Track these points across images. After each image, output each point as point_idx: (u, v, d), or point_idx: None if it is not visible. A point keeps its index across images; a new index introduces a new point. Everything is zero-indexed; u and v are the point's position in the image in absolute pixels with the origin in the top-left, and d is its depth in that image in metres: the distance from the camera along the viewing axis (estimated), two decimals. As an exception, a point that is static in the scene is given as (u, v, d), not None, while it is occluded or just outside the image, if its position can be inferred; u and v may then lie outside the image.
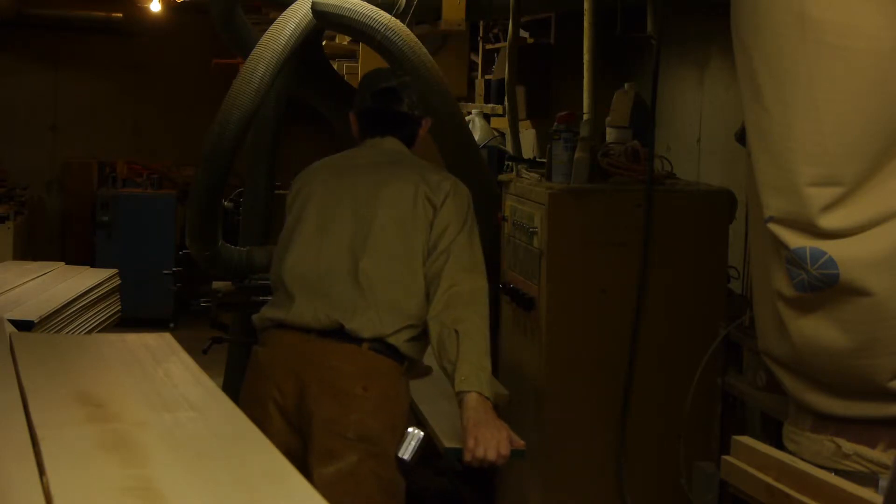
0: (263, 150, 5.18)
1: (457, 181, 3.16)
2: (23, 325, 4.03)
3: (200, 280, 5.82)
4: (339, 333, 2.95)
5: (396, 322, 2.96)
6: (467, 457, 2.83)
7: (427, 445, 2.99)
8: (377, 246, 3.01)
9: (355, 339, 2.94)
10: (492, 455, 2.82)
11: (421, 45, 4.37)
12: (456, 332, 2.88)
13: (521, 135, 5.13)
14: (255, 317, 3.15)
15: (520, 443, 2.94)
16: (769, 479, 2.32)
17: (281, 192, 5.76)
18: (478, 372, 2.86)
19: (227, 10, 5.22)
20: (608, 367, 3.67)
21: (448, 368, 2.90)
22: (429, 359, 3.17)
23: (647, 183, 3.66)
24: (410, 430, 2.94)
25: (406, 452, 2.89)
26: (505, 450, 2.84)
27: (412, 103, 3.22)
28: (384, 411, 2.93)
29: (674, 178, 3.98)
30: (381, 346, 2.95)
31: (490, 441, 2.82)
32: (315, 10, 4.35)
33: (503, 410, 3.71)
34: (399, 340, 2.97)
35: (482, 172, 4.50)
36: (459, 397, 2.87)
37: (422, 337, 3.02)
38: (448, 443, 3.04)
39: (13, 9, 8.80)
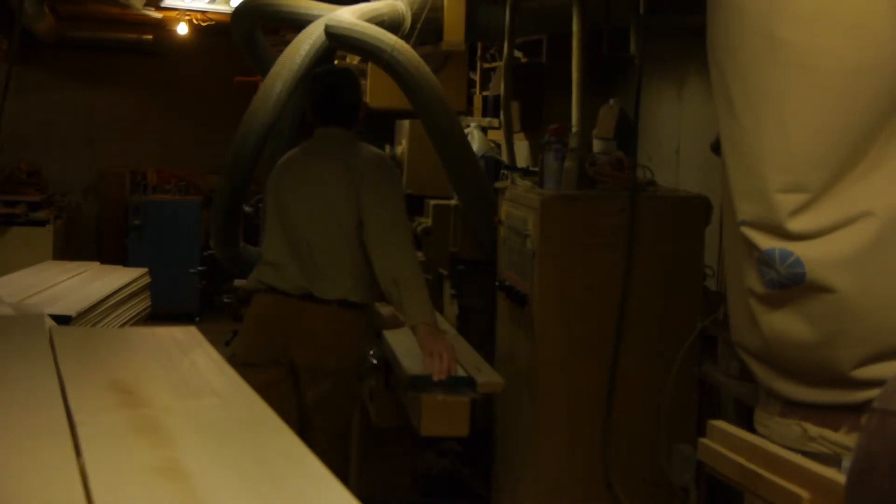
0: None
1: (371, 158, 3.58)
2: (61, 320, 4.03)
3: (223, 278, 5.83)
4: (310, 297, 3.50)
5: (348, 281, 3.50)
6: (427, 365, 3.31)
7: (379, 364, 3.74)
8: (320, 226, 3.52)
9: (324, 301, 3.48)
10: (445, 354, 3.31)
11: (424, 64, 4.37)
12: (395, 280, 3.38)
13: (515, 146, 5.12)
14: (249, 278, 3.68)
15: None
16: (741, 460, 2.32)
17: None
18: (420, 306, 3.37)
19: (248, 32, 5.22)
20: (595, 357, 3.66)
21: (398, 309, 3.46)
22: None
23: (631, 190, 3.65)
24: (371, 359, 3.66)
25: (363, 372, 3.64)
26: (452, 351, 3.36)
27: (350, 95, 3.69)
28: (350, 352, 3.54)
29: (655, 185, 3.97)
30: (346, 303, 3.49)
31: (442, 348, 3.32)
32: (328, 32, 4.35)
33: (499, 396, 3.72)
34: (357, 295, 3.51)
35: (480, 180, 4.50)
36: (413, 330, 3.39)
37: (370, 282, 3.53)
38: (412, 371, 3.45)
39: (55, 32, 8.81)
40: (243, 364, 3.41)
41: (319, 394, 3.49)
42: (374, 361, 3.68)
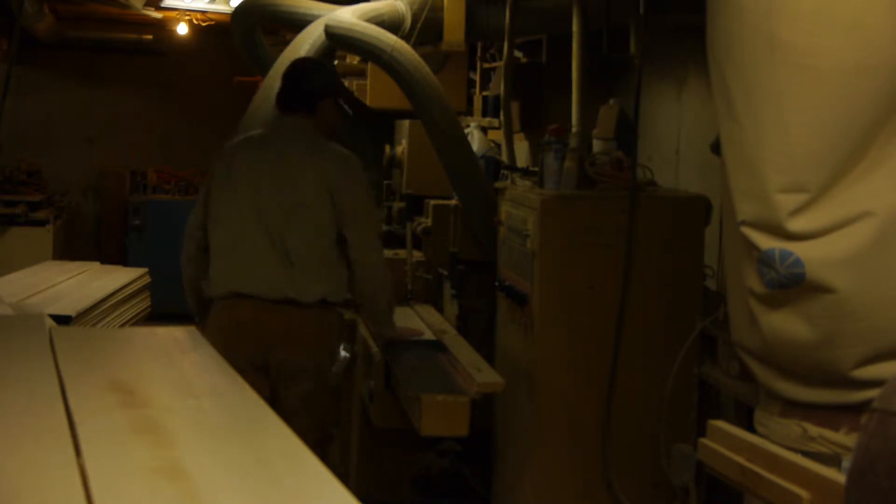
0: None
1: (342, 160, 3.56)
2: (61, 320, 4.04)
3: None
4: (289, 301, 3.47)
5: (328, 283, 3.51)
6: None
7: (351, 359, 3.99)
8: (296, 228, 3.48)
9: (303, 304, 3.47)
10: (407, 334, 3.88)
11: (424, 64, 4.37)
12: (361, 278, 3.56)
13: (515, 146, 5.12)
14: (210, 285, 3.63)
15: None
16: (741, 460, 2.32)
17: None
18: (385, 326, 3.73)
19: (248, 32, 5.23)
20: (595, 357, 3.66)
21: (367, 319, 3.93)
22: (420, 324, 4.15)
23: (630, 189, 3.65)
24: (342, 352, 3.73)
25: (337, 368, 3.69)
26: (410, 334, 3.92)
27: (310, 83, 3.62)
28: (329, 349, 3.62)
29: (654, 185, 3.97)
30: (325, 303, 3.52)
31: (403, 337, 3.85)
32: (328, 32, 4.35)
33: (499, 396, 3.71)
34: (335, 296, 3.55)
35: (480, 180, 4.50)
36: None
37: (345, 281, 3.59)
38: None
39: (56, 32, 8.81)
40: None
41: (300, 394, 3.50)
42: (346, 354, 3.78)
